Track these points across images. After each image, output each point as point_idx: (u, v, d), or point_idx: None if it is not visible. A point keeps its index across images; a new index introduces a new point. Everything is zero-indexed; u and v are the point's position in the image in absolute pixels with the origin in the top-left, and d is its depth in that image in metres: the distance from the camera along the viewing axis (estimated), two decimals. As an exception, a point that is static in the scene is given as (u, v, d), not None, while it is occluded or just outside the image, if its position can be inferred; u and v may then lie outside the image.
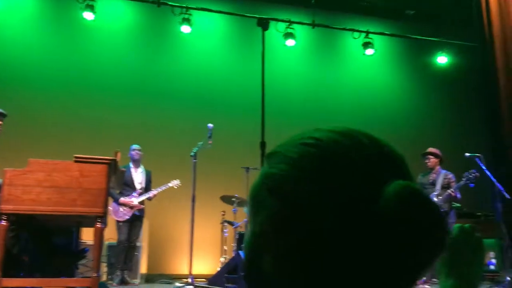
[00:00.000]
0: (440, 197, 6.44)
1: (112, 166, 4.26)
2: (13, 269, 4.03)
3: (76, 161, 4.06)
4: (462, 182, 6.34)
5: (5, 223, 3.80)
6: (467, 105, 9.94)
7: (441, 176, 6.64)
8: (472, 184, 6.33)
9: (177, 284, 6.08)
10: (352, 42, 9.45)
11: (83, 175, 4.02)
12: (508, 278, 5.75)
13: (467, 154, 6.43)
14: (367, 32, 9.25)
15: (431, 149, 6.88)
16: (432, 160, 6.75)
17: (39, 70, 8.39)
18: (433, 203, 0.55)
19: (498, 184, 6.09)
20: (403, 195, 0.53)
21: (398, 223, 0.52)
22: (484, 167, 6.21)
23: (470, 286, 0.93)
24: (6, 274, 3.76)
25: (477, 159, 6.29)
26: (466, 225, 0.97)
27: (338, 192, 0.54)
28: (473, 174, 6.24)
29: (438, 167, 6.76)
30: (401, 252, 0.52)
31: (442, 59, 9.54)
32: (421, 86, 10.21)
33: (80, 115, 8.32)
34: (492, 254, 6.68)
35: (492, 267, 6.66)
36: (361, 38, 9.28)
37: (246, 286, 0.61)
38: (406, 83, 10.26)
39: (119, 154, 4.41)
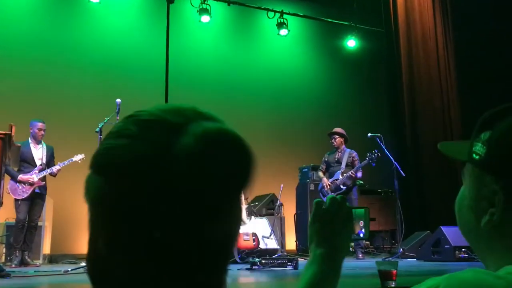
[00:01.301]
0: (345, 174, 6.78)
1: (6, 141, 3.99)
2: None
3: (-37, 135, 3.75)
4: (365, 162, 6.72)
5: None
6: (373, 88, 10.47)
7: (346, 154, 6.98)
8: (374, 164, 6.72)
9: (83, 263, 5.88)
10: (266, 21, 9.52)
11: (-29, 150, 3.73)
12: (401, 250, 6.22)
13: (369, 134, 6.80)
14: (282, 13, 9.35)
15: (336, 129, 7.19)
16: (337, 140, 7.07)
17: None
18: (230, 136, 0.55)
19: (395, 163, 6.52)
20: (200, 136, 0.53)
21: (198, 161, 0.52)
22: (383, 146, 6.61)
23: (338, 254, 0.98)
24: None
25: (377, 139, 6.67)
26: (338, 196, 1.03)
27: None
28: (375, 154, 6.62)
29: (343, 146, 7.08)
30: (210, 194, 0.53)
31: (351, 43, 9.92)
32: (332, 68, 10.56)
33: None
34: (361, 223, 7.04)
35: (361, 235, 7.07)
36: (276, 18, 9.38)
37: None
38: (319, 64, 10.56)
39: (14, 128, 4.13)
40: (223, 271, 0.58)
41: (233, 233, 0.59)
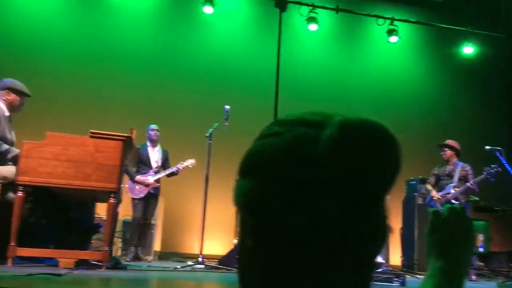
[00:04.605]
0: (457, 189, 6.35)
1: (127, 143, 4.31)
2: (28, 239, 4.14)
3: (91, 137, 4.12)
4: (482, 176, 6.21)
5: (21, 194, 3.90)
6: (492, 97, 9.73)
7: (459, 168, 6.53)
8: (493, 179, 6.19)
9: (189, 262, 6.16)
10: (376, 29, 9.29)
11: (98, 150, 4.09)
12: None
13: (487, 147, 6.29)
14: (392, 19, 9.06)
15: (448, 141, 6.77)
16: (447, 152, 6.65)
17: (58, 46, 8.47)
18: (370, 124, 0.56)
19: (516, 179, 5.97)
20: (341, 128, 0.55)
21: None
22: (504, 161, 6.07)
23: (458, 268, 0.92)
24: (21, 244, 3.87)
25: (497, 153, 6.15)
26: (457, 206, 0.96)
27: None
28: (495, 169, 6.09)
29: (455, 159, 6.65)
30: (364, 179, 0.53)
31: (468, 49, 9.32)
32: (445, 76, 10.01)
33: (98, 91, 8.42)
34: (481, 236, 6.42)
35: (481, 250, 6.41)
36: (386, 25, 9.11)
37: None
38: (430, 72, 10.07)
39: (134, 131, 4.46)
40: (370, 267, 0.58)
41: (383, 228, 0.58)
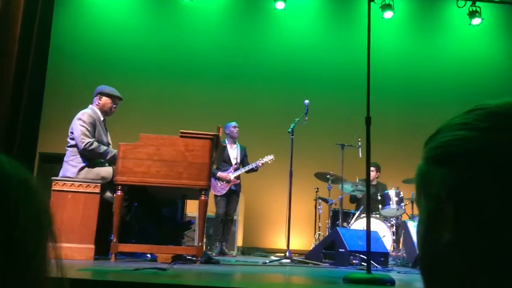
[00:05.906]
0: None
1: (215, 141, 4.40)
2: (125, 236, 4.36)
3: (181, 136, 4.25)
4: None
5: (120, 193, 4.11)
6: None
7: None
8: None
9: (273, 257, 6.21)
10: (456, 11, 8.85)
11: (188, 149, 4.21)
12: None
13: None
14: (474, 0, 8.59)
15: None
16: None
17: (145, 52, 8.83)
18: None
19: None
20: None
21: None
22: None
23: None
24: (120, 240, 4.08)
25: None
26: None
27: None
28: None
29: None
30: None
31: (560, 27, 8.65)
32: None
33: (180, 93, 8.70)
34: None
35: None
36: (467, 7, 8.65)
37: (421, 274, 0.58)
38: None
39: (221, 130, 4.54)
40: None
41: None
